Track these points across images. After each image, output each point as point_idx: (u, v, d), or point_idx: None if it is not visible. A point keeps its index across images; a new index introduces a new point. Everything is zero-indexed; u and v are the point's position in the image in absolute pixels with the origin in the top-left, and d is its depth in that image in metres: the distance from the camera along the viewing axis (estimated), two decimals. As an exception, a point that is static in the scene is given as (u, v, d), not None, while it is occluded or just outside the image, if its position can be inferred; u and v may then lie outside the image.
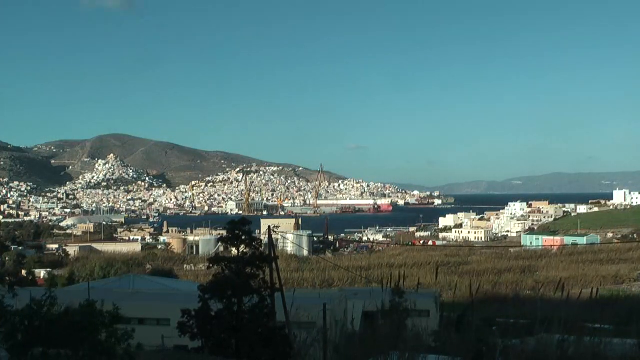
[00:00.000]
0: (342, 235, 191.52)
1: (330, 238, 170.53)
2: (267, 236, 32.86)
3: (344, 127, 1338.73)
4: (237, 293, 18.65)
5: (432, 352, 16.41)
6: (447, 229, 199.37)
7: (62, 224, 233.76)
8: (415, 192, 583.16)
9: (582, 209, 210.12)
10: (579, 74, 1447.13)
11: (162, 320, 33.78)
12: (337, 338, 18.19)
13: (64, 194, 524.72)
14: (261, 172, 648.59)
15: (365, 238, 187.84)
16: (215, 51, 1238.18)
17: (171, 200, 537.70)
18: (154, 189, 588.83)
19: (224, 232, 23.47)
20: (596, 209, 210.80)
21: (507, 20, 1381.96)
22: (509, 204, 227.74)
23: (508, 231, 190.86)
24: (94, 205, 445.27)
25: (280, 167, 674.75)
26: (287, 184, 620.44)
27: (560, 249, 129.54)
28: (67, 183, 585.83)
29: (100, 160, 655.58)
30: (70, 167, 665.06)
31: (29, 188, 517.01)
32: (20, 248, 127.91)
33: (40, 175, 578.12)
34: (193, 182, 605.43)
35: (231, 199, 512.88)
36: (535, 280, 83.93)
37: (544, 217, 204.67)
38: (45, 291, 8.93)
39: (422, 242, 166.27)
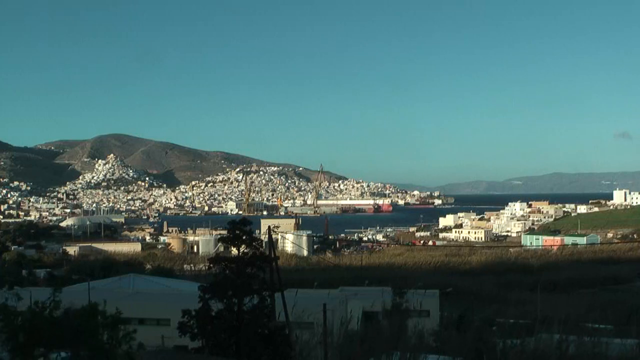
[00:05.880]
0: (342, 235, 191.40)
1: (331, 238, 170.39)
2: (267, 236, 32.93)
3: (344, 127, 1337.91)
4: (238, 293, 18.65)
5: (432, 352, 16.43)
6: (447, 229, 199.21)
7: (62, 224, 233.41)
8: (415, 192, 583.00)
9: (582, 209, 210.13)
10: (579, 74, 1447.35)
11: (162, 320, 33.76)
12: (337, 338, 18.19)
13: (64, 194, 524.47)
14: (261, 172, 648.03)
15: (365, 238, 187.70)
16: (215, 51, 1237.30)
17: (171, 200, 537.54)
18: (154, 189, 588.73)
19: (224, 232, 23.47)
20: (596, 209, 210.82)
21: (507, 20, 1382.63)
22: (509, 204, 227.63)
23: (508, 231, 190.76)
24: (94, 205, 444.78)
25: (280, 167, 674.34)
26: (287, 184, 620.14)
27: (560, 249, 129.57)
28: (67, 183, 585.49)
29: (100, 160, 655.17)
30: (70, 167, 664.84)
31: (29, 188, 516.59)
32: (21, 248, 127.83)
33: (40, 175, 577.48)
34: (193, 182, 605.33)
35: (231, 199, 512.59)
36: (535, 280, 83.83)
37: (544, 217, 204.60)
38: (49, 293, 8.90)
39: (422, 242, 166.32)
